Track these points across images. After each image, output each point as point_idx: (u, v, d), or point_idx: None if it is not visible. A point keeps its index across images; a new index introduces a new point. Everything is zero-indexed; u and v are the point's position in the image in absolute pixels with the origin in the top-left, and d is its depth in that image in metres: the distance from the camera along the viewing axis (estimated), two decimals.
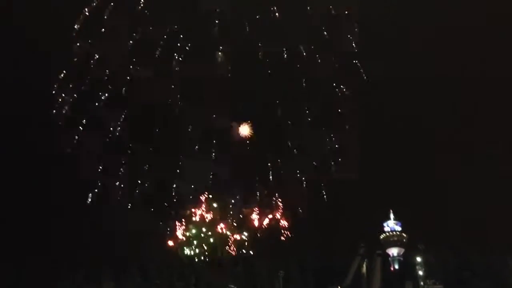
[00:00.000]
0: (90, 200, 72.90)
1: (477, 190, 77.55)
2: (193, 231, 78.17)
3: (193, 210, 78.87)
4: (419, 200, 78.55)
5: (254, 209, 79.06)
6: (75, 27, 74.51)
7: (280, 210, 79.28)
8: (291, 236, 78.37)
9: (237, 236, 78.40)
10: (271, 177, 77.40)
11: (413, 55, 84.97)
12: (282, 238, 78.31)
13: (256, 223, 78.70)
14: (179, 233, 78.37)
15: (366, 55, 77.56)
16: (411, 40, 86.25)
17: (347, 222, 76.67)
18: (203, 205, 79.19)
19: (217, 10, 74.82)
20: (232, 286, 66.05)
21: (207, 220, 78.55)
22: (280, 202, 79.28)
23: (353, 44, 77.23)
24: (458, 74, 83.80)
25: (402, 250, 75.18)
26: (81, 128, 73.89)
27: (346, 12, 77.38)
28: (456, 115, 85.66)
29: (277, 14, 76.74)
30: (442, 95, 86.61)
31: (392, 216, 77.26)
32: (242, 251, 78.38)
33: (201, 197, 79.18)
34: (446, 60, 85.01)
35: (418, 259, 69.32)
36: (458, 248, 69.29)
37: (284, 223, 79.21)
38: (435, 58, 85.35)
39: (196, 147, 75.87)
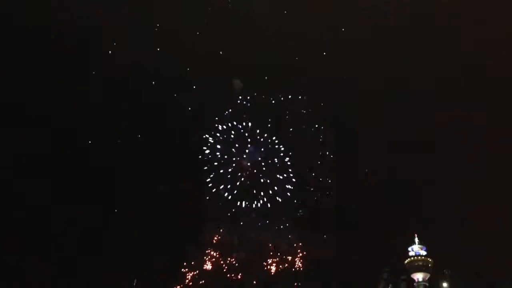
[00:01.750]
0: None
1: (506, 215, 75.47)
2: None
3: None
4: (445, 223, 76.85)
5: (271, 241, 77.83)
6: None
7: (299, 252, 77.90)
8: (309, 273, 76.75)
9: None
10: None
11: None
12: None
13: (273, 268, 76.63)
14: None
15: None
16: None
17: (371, 246, 75.47)
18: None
19: None
20: None
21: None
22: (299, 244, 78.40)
23: None
24: None
25: (428, 275, 74.00)
26: None
27: None
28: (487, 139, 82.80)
29: None
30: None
31: (417, 240, 76.47)
32: None
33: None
34: None
35: (444, 284, 68.33)
36: (485, 273, 67.77)
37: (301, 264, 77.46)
38: None
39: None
